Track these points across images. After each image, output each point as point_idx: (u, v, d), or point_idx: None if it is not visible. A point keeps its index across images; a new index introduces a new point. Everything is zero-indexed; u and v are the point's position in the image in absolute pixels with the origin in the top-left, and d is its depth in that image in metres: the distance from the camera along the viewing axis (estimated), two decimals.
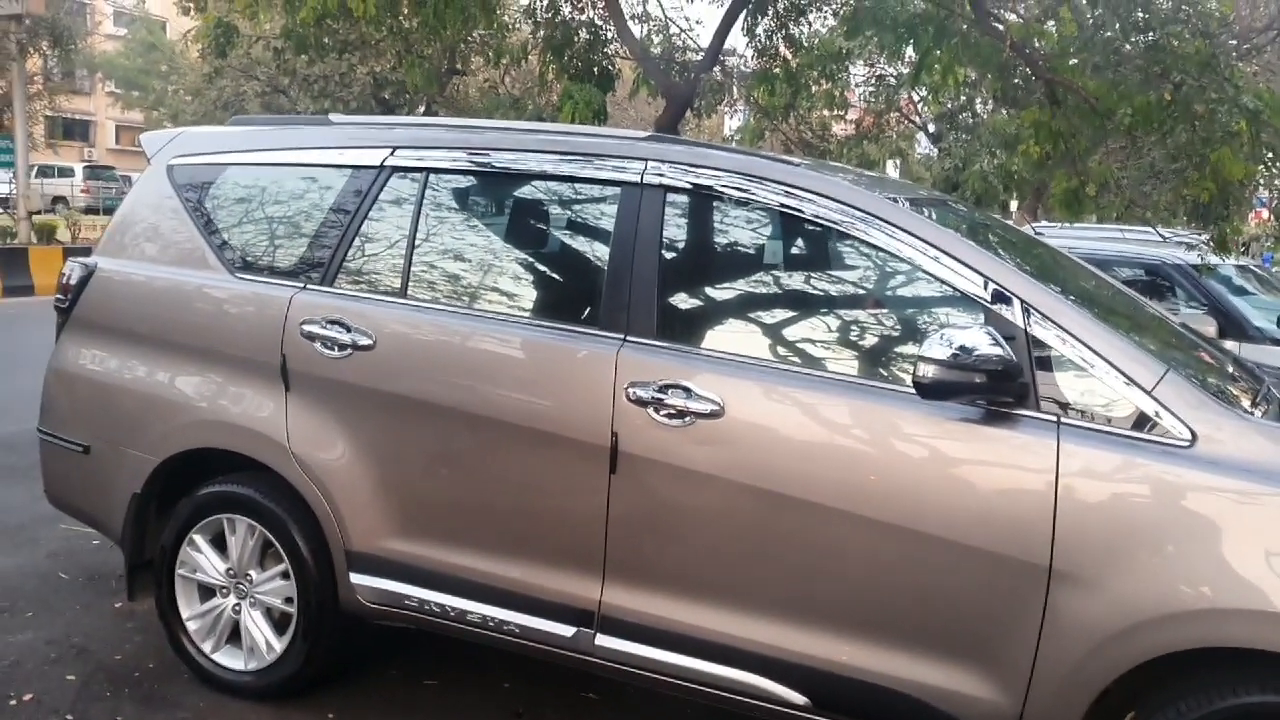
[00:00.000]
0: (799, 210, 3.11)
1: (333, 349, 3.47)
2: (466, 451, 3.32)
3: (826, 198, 3.09)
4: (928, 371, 2.67)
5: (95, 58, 39.13)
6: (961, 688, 2.80)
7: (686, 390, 3.02)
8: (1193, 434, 2.63)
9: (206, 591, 3.79)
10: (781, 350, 3.15)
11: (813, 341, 3.14)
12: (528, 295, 3.47)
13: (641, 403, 3.06)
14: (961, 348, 2.65)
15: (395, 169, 3.59)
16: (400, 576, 3.43)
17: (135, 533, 3.84)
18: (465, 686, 3.89)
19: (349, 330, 3.45)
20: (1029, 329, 2.80)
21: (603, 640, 3.17)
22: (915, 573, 2.82)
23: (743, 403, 2.99)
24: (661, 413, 3.03)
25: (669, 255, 3.24)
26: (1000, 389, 2.71)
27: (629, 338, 3.14)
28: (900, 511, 2.81)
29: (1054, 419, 2.72)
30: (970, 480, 2.76)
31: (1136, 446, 2.65)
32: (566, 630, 3.21)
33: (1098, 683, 2.65)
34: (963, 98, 15.94)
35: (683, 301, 3.30)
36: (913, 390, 2.80)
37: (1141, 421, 2.68)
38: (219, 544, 3.75)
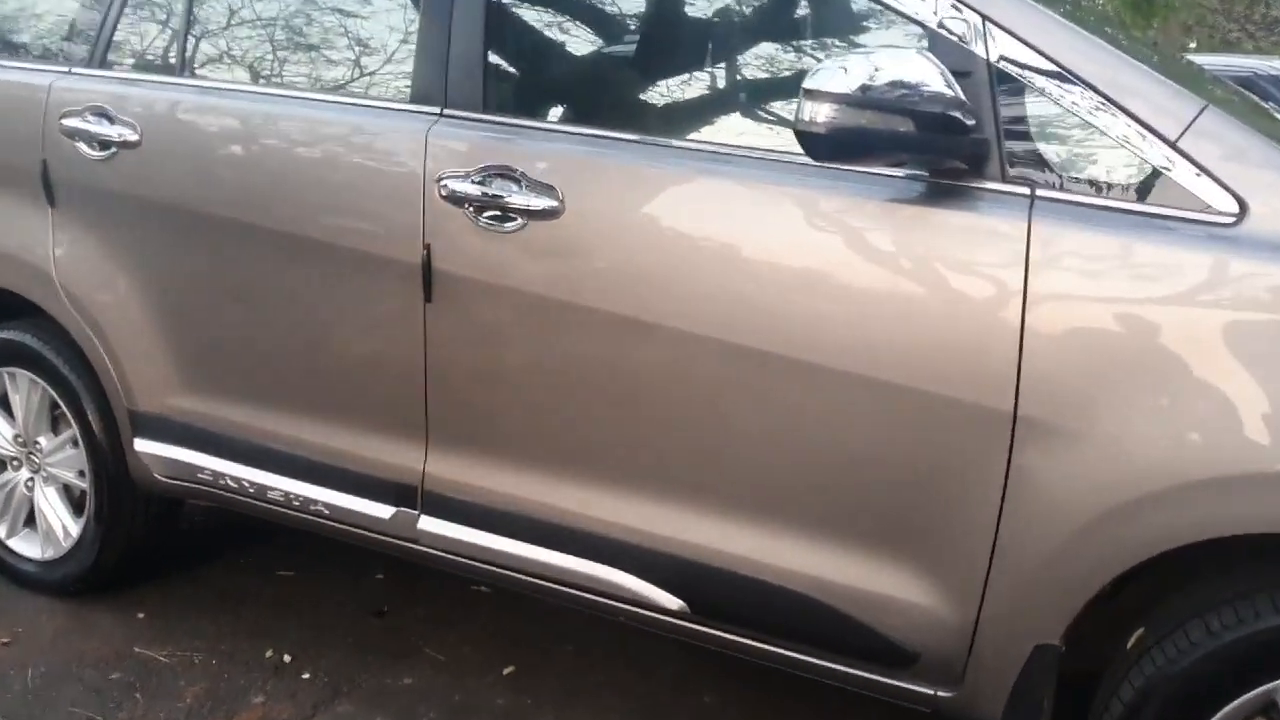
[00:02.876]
0: None
1: (95, 147, 2.63)
2: (254, 276, 2.49)
3: None
4: (819, 112, 1.72)
5: None
6: (887, 589, 1.94)
7: (517, 179, 2.13)
8: (1240, 204, 1.68)
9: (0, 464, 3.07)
10: (647, 119, 2.23)
11: (690, 102, 2.21)
12: (324, 63, 2.54)
13: (458, 200, 2.17)
14: (875, 79, 1.71)
15: None
16: (191, 442, 2.65)
17: None
18: (328, 578, 3.13)
19: (113, 122, 2.61)
20: (991, 56, 1.84)
21: (428, 524, 2.36)
22: (822, 425, 1.94)
23: (587, 193, 2.10)
24: (485, 214, 2.15)
25: None
26: (943, 147, 1.78)
27: (446, 111, 2.25)
28: (798, 339, 1.92)
29: (1026, 192, 1.78)
30: (900, 288, 1.84)
31: (1151, 226, 1.71)
32: (384, 511, 2.41)
33: (1086, 585, 1.76)
34: None
35: (523, 58, 2.39)
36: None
37: (1160, 188, 1.73)
38: (7, 406, 3.00)
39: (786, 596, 2.01)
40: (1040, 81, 1.81)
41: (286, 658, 2.74)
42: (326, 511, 2.48)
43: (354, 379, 2.42)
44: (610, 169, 2.09)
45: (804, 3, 2.15)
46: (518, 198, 2.11)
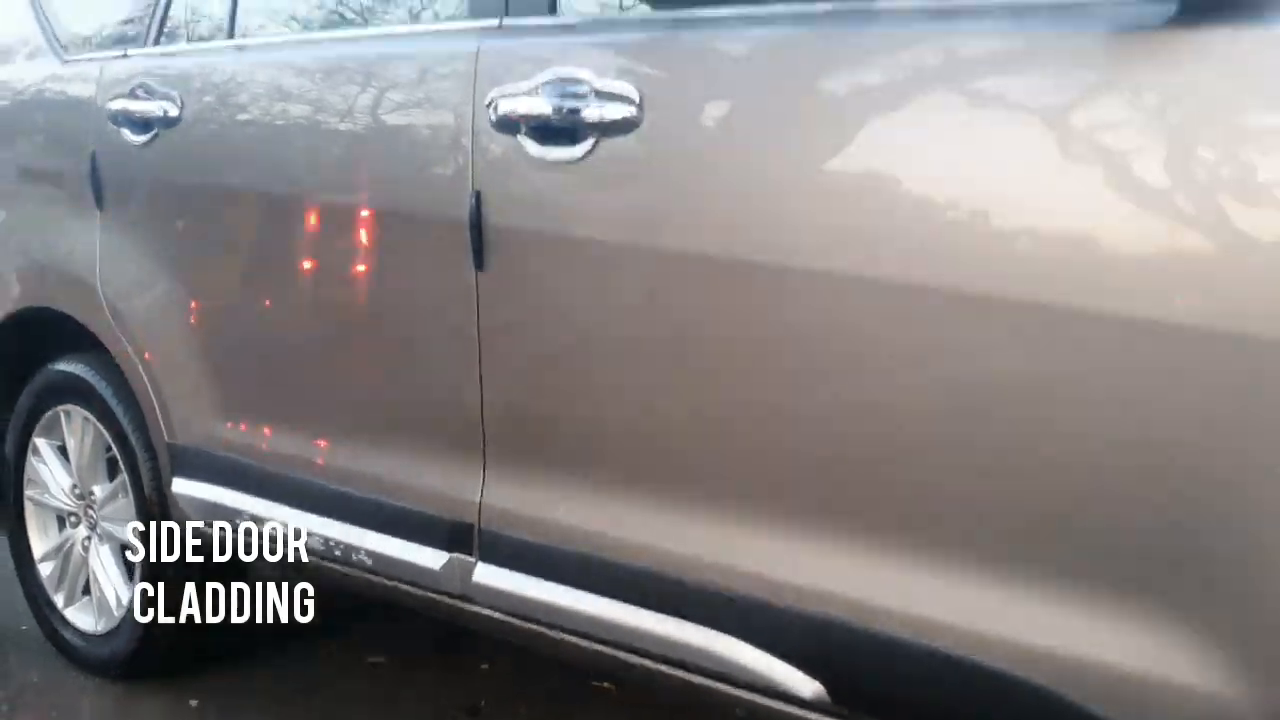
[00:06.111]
0: None
1: (138, 130, 2.24)
2: (287, 258, 2.02)
3: None
4: None
5: None
6: (1147, 667, 1.19)
7: (581, 91, 1.55)
8: None
9: (60, 520, 2.67)
10: None
11: None
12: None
13: (511, 126, 1.61)
14: None
15: None
16: (229, 480, 2.14)
17: None
18: (423, 667, 2.55)
19: (153, 97, 2.21)
20: None
21: (486, 574, 1.75)
22: (1050, 401, 1.23)
23: (674, 93, 1.50)
24: (545, 142, 1.58)
25: None
26: None
27: (506, 20, 1.71)
28: (1007, 269, 1.23)
29: None
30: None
31: None
32: (434, 559, 1.81)
33: None
34: None
35: None
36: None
37: None
38: (65, 454, 2.61)
39: (978, 677, 1.28)
40: None
41: None
42: (369, 562, 1.91)
43: (398, 383, 1.88)
44: (722, 47, 1.49)
45: None
46: (588, 107, 1.53)
